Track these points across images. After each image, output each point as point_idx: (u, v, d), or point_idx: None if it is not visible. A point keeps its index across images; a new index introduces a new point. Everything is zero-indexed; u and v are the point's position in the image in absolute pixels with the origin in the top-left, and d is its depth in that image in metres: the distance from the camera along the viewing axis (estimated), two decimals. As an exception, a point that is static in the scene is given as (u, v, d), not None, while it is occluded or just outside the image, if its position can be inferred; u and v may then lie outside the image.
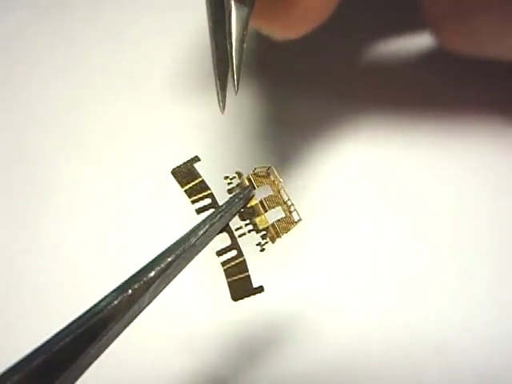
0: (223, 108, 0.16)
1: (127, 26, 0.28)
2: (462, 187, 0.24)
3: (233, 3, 0.16)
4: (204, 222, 0.15)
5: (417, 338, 0.21)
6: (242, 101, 0.24)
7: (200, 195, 0.16)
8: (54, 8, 0.28)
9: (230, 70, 0.16)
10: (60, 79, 0.27)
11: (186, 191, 0.16)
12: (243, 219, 0.16)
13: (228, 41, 0.16)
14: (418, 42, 0.26)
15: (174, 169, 0.16)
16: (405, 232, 0.23)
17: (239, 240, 0.16)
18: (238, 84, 0.16)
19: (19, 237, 0.23)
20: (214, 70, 0.16)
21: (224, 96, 0.16)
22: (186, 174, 0.16)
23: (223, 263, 0.16)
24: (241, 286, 0.16)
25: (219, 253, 0.16)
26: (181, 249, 0.15)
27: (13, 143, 0.26)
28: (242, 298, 0.16)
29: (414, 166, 0.24)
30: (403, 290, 0.22)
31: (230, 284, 0.16)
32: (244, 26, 0.16)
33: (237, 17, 0.16)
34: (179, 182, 0.16)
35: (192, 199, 0.16)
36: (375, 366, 0.21)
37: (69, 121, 0.26)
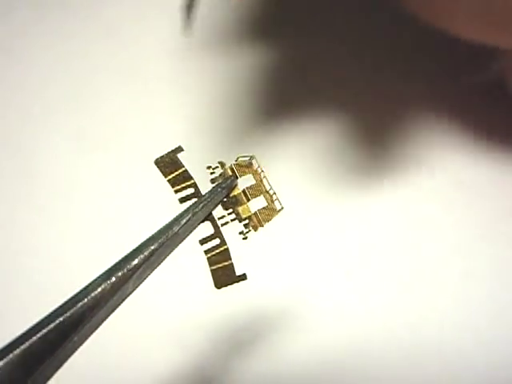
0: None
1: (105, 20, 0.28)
2: (459, 183, 0.24)
3: None
4: (187, 210, 0.16)
5: (417, 338, 0.21)
6: (226, 92, 0.24)
7: (183, 185, 0.16)
8: (49, 7, 0.29)
9: None
10: (54, 78, 0.27)
11: (169, 181, 0.16)
12: (226, 208, 0.16)
13: None
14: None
15: (157, 159, 0.16)
16: (400, 226, 0.23)
17: (222, 229, 0.16)
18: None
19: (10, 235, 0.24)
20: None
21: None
22: (169, 164, 0.16)
23: (206, 251, 0.16)
24: (224, 273, 0.16)
25: (202, 241, 0.16)
26: (164, 237, 0.15)
27: (6, 142, 0.26)
28: (225, 286, 0.16)
29: (408, 159, 0.24)
30: (401, 290, 0.22)
31: (213, 272, 0.16)
32: None
33: None
34: (162, 172, 0.16)
35: (175, 189, 0.16)
36: (372, 365, 0.21)
37: (58, 118, 0.26)
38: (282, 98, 0.25)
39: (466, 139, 0.25)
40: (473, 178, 0.24)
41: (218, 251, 0.16)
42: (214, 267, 0.16)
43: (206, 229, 0.16)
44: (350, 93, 0.25)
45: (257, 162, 0.16)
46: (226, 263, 0.16)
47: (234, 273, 0.16)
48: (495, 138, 0.25)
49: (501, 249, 0.23)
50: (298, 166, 0.24)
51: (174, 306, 0.22)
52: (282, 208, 0.16)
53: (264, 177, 0.16)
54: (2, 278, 0.22)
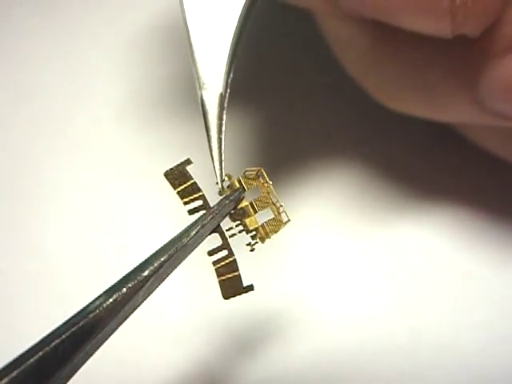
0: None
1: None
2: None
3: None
4: (196, 222, 0.16)
5: (417, 338, 0.21)
6: (235, 106, 0.25)
7: (192, 197, 0.17)
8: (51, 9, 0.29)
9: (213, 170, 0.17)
10: (55, 79, 0.27)
11: (178, 193, 0.17)
12: (234, 220, 0.17)
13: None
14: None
15: (166, 171, 0.17)
16: (401, 230, 0.23)
17: (230, 240, 0.16)
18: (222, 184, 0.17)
19: (10, 238, 0.24)
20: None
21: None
22: (178, 176, 0.17)
23: (214, 262, 0.16)
24: (231, 284, 0.16)
25: (211, 252, 0.16)
26: (173, 249, 0.15)
27: (7, 145, 0.26)
28: (232, 297, 0.16)
29: (409, 170, 0.25)
30: (401, 290, 0.22)
31: (220, 283, 0.16)
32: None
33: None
34: (172, 184, 0.17)
35: (184, 201, 0.17)
36: (372, 366, 0.21)
37: (60, 121, 0.26)
38: (292, 111, 0.26)
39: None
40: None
41: (225, 262, 0.16)
42: (221, 278, 0.16)
43: (214, 240, 0.16)
44: (360, 108, 0.26)
45: (264, 174, 0.17)
46: (233, 274, 0.16)
47: (242, 284, 0.16)
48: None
49: (502, 247, 0.23)
50: (304, 179, 0.24)
51: (181, 311, 0.22)
52: (289, 220, 0.16)
53: (271, 189, 0.17)
54: (14, 292, 0.23)
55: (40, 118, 0.26)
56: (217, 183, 0.17)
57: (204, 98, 0.17)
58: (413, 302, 0.22)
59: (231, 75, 0.18)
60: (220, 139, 0.17)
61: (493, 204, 0.24)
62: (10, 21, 0.29)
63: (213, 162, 0.17)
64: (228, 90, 0.18)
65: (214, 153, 0.17)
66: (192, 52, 0.18)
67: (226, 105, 0.17)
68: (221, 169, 0.17)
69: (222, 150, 0.17)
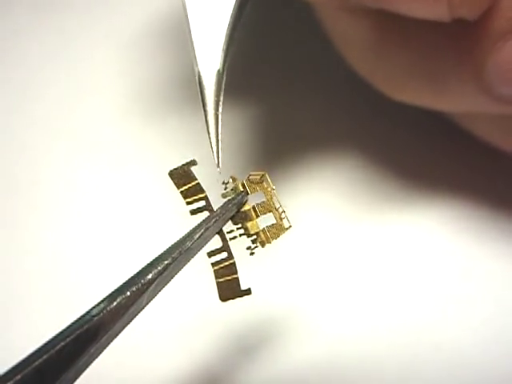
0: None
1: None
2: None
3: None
4: (199, 226, 0.16)
5: (417, 338, 0.22)
6: (240, 108, 0.24)
7: (195, 197, 0.16)
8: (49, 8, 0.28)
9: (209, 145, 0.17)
10: (57, 80, 0.26)
11: (181, 192, 0.16)
12: (235, 223, 0.17)
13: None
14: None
15: (171, 170, 0.16)
16: (403, 234, 0.24)
17: (230, 243, 0.16)
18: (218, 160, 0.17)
19: (14, 239, 0.23)
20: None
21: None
22: (182, 176, 0.16)
23: (213, 264, 0.16)
24: (229, 287, 0.16)
25: (210, 254, 0.16)
26: (177, 252, 0.15)
27: (8, 145, 0.25)
28: (229, 299, 0.16)
29: (410, 173, 0.25)
30: (401, 290, 0.23)
31: (218, 284, 0.16)
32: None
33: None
34: (176, 184, 0.16)
35: (187, 200, 0.17)
36: (373, 366, 0.21)
37: (60, 120, 0.26)
38: (298, 115, 0.26)
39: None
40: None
41: (224, 264, 0.16)
42: (220, 280, 0.16)
43: (214, 242, 0.16)
44: (364, 109, 0.26)
45: (268, 179, 0.17)
46: (232, 277, 0.16)
47: (239, 287, 0.16)
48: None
49: (502, 246, 0.23)
50: (307, 186, 0.24)
51: (181, 313, 0.22)
52: (290, 226, 0.17)
53: (274, 195, 0.17)
54: (19, 296, 0.22)
55: (42, 117, 0.26)
56: (219, 175, 0.17)
57: (201, 74, 0.17)
58: (413, 303, 0.22)
59: (229, 52, 0.17)
60: (217, 115, 0.17)
61: (494, 197, 0.24)
62: (11, 20, 0.28)
63: (209, 138, 0.17)
64: (226, 67, 0.17)
65: (210, 129, 0.17)
66: (189, 28, 0.17)
67: (223, 82, 0.17)
68: (217, 145, 0.17)
69: (219, 127, 0.17)
